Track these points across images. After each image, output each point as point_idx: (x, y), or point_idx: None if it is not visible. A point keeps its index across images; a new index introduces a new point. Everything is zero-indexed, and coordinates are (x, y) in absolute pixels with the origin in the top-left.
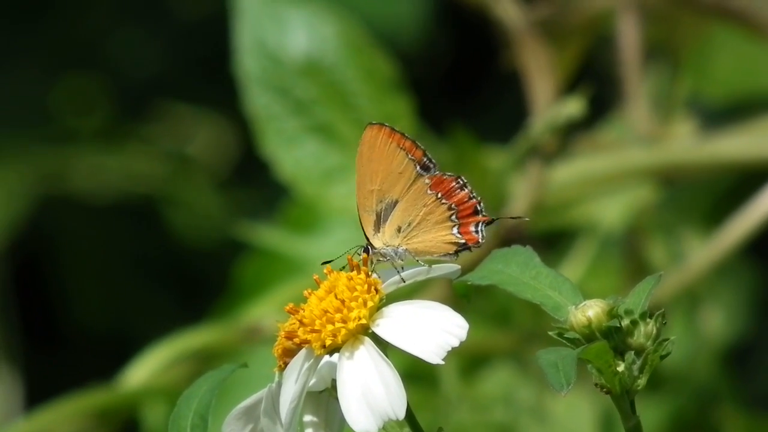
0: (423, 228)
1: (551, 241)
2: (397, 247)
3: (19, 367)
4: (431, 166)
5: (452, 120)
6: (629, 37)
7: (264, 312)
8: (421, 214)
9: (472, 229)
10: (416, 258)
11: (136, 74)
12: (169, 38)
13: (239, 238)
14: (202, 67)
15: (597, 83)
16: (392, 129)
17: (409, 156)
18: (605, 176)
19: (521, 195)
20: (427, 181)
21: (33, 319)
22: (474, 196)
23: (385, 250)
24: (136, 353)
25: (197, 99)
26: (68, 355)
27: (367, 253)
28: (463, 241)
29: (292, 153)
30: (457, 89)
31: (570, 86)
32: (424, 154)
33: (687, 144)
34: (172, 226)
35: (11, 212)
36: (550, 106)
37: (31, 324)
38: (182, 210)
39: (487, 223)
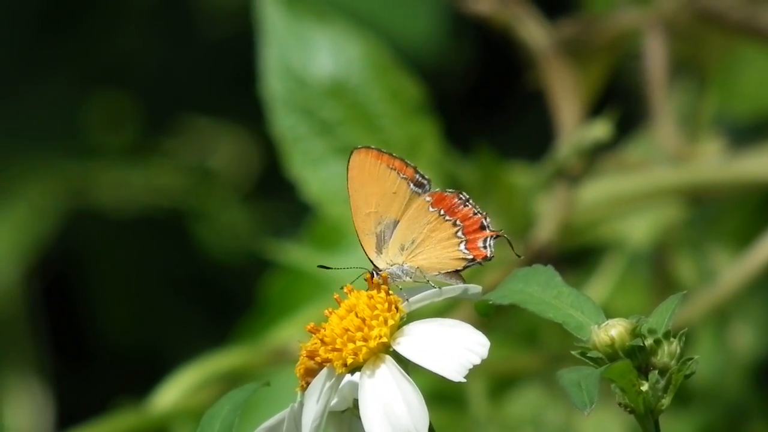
0: (428, 245)
1: (578, 259)
2: (402, 265)
3: (50, 383)
4: (425, 182)
5: (477, 138)
6: (655, 55)
7: (290, 333)
8: (424, 231)
9: (480, 244)
10: (425, 277)
11: (163, 90)
12: (195, 54)
13: (265, 254)
14: (227, 81)
15: (623, 101)
16: (379, 150)
17: (401, 175)
18: (632, 195)
19: (548, 215)
20: (428, 198)
21: (61, 336)
22: (479, 212)
23: (390, 270)
24: (164, 368)
25: (221, 113)
26: (97, 371)
27: (373, 277)
28: (471, 257)
29: (317, 174)
30: (482, 106)
31: (596, 105)
32: (416, 171)
33: (715, 162)
34: (198, 240)
35: (39, 227)
36: (576, 126)
37: (59, 341)
38: (208, 224)
39: (495, 237)
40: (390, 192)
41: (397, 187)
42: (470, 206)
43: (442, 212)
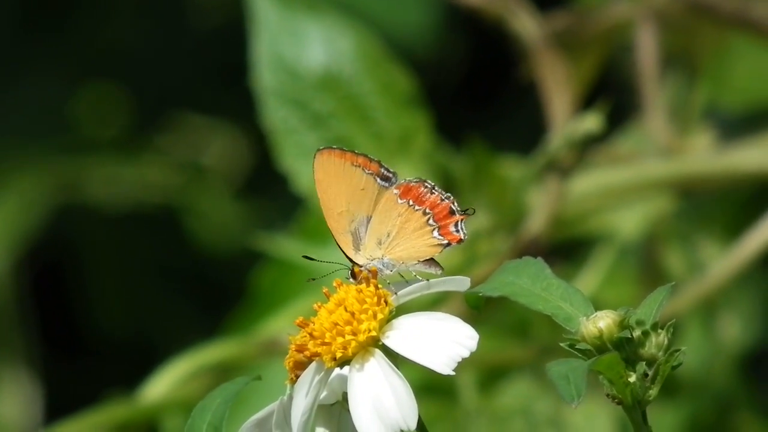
0: (403, 237)
1: (569, 251)
2: (382, 258)
3: (39, 375)
4: (390, 175)
5: (469, 131)
6: (647, 47)
7: (280, 326)
8: (397, 223)
9: (453, 229)
10: (405, 267)
11: (154, 84)
12: (186, 48)
13: (256, 248)
14: (218, 77)
15: (614, 94)
16: (342, 149)
17: (366, 171)
18: (623, 188)
19: (539, 207)
20: (395, 191)
21: (52, 328)
22: (446, 198)
23: (371, 264)
24: (155, 361)
25: (213, 109)
26: (87, 363)
27: (353, 274)
28: (446, 241)
29: (309, 166)
30: (474, 99)
31: (587, 97)
32: (380, 165)
33: (705, 155)
34: (189, 234)
35: (29, 220)
36: (567, 118)
37: (50, 333)
38: (199, 219)
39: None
40: (358, 189)
41: (365, 184)
42: (437, 193)
43: (411, 202)
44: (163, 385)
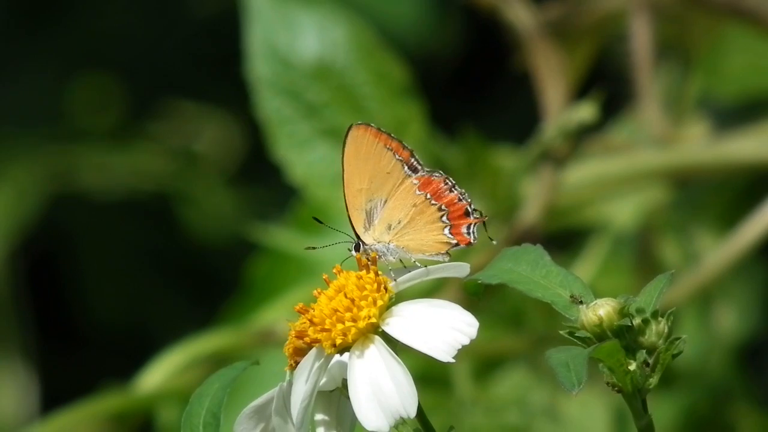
0: (414, 227)
1: (563, 241)
2: (388, 243)
3: (35, 365)
4: (419, 166)
5: (463, 121)
6: (641, 37)
7: (276, 315)
8: (410, 213)
9: (464, 230)
10: (410, 256)
11: (147, 72)
12: (180, 37)
13: (250, 237)
14: (211, 65)
15: (609, 83)
16: (378, 129)
17: (397, 156)
18: (617, 178)
19: (534, 197)
20: (415, 181)
21: (46, 317)
22: (464, 198)
23: (376, 247)
24: (149, 349)
25: (206, 97)
26: (83, 353)
27: (358, 249)
28: (455, 241)
29: (303, 156)
30: (468, 89)
31: (582, 87)
32: (412, 155)
33: (699, 145)
34: (183, 223)
35: (23, 210)
36: (562, 108)
37: (44, 322)
38: (193, 207)
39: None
40: (384, 171)
41: (392, 168)
42: (456, 192)
43: (428, 196)
44: (158, 375)
